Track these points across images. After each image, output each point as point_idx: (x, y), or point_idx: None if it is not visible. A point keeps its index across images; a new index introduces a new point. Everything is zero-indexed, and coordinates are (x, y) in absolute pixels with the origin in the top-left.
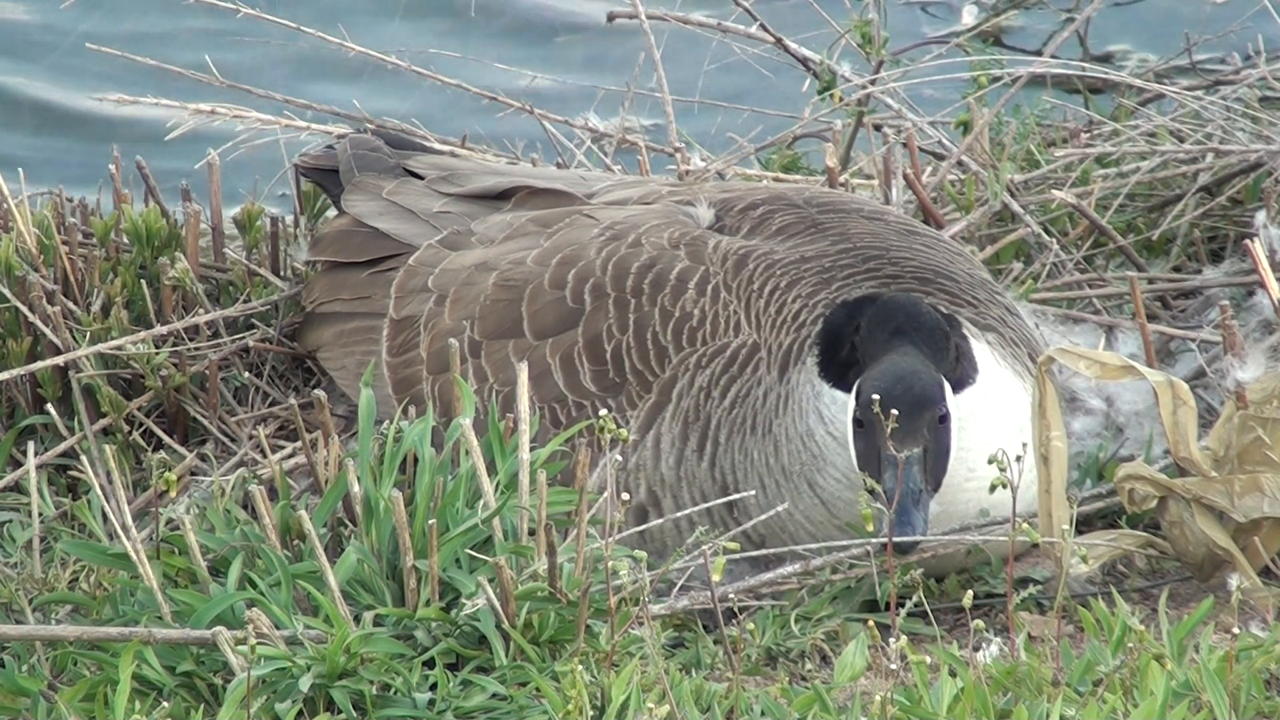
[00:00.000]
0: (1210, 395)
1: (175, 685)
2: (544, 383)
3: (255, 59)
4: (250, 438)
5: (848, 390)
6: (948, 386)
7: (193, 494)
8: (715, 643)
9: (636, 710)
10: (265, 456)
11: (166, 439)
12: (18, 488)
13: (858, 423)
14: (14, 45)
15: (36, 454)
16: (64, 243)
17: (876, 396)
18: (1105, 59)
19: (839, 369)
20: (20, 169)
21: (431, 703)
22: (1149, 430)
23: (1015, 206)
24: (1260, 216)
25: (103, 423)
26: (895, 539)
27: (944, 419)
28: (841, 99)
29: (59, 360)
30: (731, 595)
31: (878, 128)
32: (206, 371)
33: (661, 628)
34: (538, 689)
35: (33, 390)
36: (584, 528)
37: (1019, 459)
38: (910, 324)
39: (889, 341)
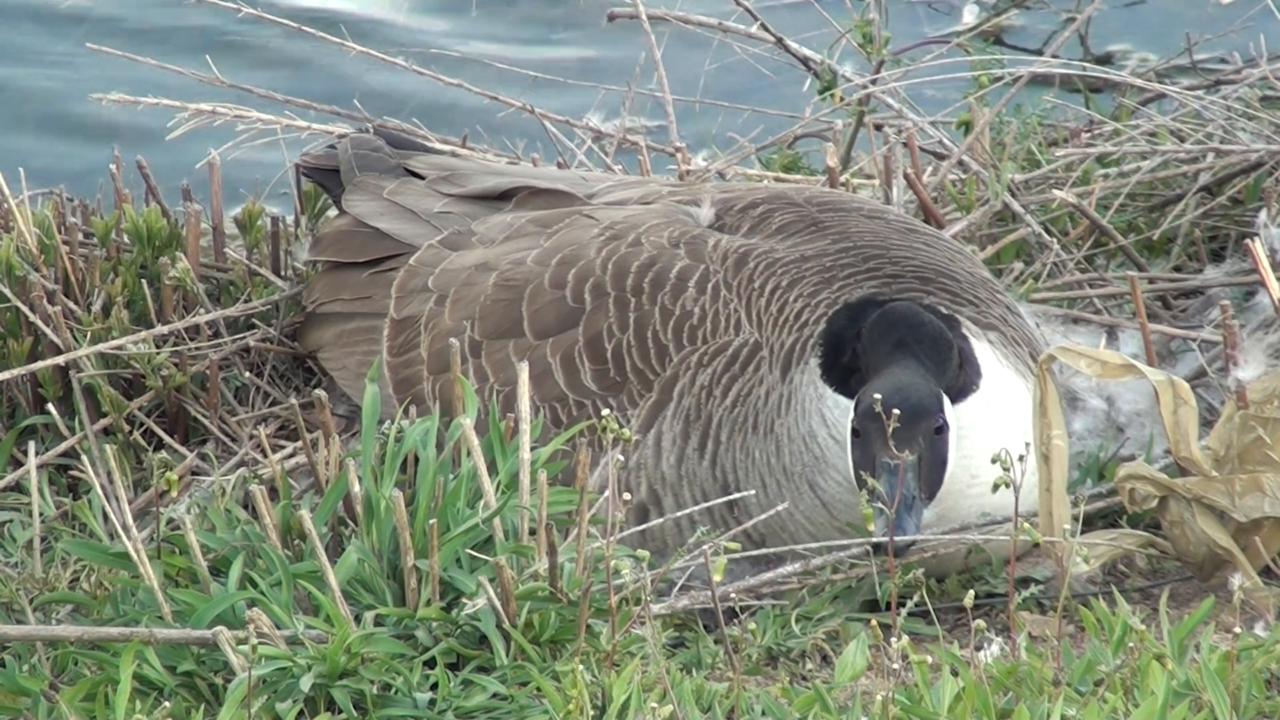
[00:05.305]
0: (1211, 395)
1: (176, 685)
2: (545, 382)
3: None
4: (251, 437)
5: (850, 396)
6: (946, 400)
7: (193, 494)
8: (716, 642)
9: (637, 710)
10: (266, 456)
11: (167, 439)
12: (18, 487)
13: (854, 432)
14: (15, 44)
15: (37, 454)
16: (64, 243)
17: (878, 396)
18: (1106, 59)
19: (841, 373)
20: (21, 169)
21: (432, 702)
22: (1150, 430)
23: (1016, 206)
24: (1261, 216)
25: (103, 422)
26: (889, 539)
27: (940, 430)
28: (842, 99)
29: (60, 360)
30: (732, 595)
31: (878, 127)
32: (207, 371)
33: (662, 627)
34: (538, 689)
35: (33, 390)
36: (585, 527)
37: (1021, 459)
38: (912, 336)
39: (891, 354)
